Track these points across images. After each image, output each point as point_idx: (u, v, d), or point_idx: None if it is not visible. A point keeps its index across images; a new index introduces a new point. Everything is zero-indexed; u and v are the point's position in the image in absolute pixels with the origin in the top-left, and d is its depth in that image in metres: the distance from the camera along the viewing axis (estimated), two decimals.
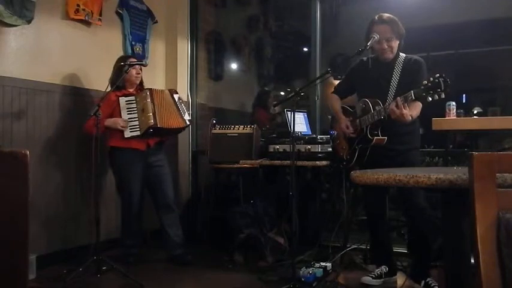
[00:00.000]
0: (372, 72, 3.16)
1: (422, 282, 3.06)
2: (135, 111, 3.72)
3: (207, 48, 5.55)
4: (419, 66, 3.05)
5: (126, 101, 3.74)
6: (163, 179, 3.88)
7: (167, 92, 3.92)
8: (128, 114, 3.71)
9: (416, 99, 2.76)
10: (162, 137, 3.88)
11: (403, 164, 2.76)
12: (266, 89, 6.35)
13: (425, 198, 3.09)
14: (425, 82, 2.66)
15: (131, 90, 3.86)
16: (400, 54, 3.12)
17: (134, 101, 3.74)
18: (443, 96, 2.64)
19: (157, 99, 3.76)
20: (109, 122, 3.66)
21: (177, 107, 3.85)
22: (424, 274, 3.08)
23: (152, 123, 3.65)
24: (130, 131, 3.69)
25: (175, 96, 3.91)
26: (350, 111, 3.30)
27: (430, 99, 2.66)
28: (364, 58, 3.23)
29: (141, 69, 3.92)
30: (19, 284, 1.23)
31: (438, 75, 2.61)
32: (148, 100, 3.71)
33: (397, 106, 2.80)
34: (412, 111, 2.89)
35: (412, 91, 2.75)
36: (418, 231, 3.13)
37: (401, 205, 3.40)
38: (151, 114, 3.67)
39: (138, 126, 3.70)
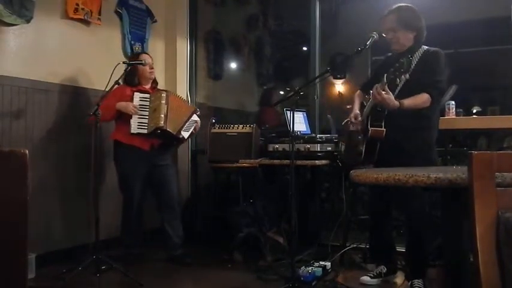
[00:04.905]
0: (391, 66, 3.10)
1: (409, 283, 3.02)
2: (147, 109, 3.69)
3: (206, 47, 5.54)
4: (436, 57, 2.96)
5: (140, 98, 3.70)
6: (168, 179, 3.86)
7: (189, 106, 3.92)
8: (140, 110, 3.68)
9: (388, 82, 2.73)
10: (166, 141, 3.84)
11: (410, 164, 2.71)
12: (269, 87, 6.34)
13: (420, 197, 3.04)
14: (397, 64, 2.66)
15: (147, 87, 3.85)
16: (422, 46, 3.03)
17: (148, 99, 3.72)
18: (407, 76, 2.67)
19: (172, 103, 3.74)
20: (120, 105, 3.62)
21: (186, 121, 3.80)
22: (417, 274, 3.02)
23: (162, 125, 3.63)
24: (138, 128, 3.66)
25: (194, 116, 3.87)
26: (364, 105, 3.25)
27: (398, 80, 2.68)
28: (390, 53, 3.21)
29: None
30: (18, 283, 1.23)
31: (405, 57, 2.65)
32: (163, 102, 3.67)
33: (376, 91, 2.77)
34: (409, 100, 2.83)
35: (385, 74, 2.73)
36: (416, 231, 3.09)
37: (399, 206, 3.37)
38: (163, 115, 3.64)
39: (146, 125, 3.66)
